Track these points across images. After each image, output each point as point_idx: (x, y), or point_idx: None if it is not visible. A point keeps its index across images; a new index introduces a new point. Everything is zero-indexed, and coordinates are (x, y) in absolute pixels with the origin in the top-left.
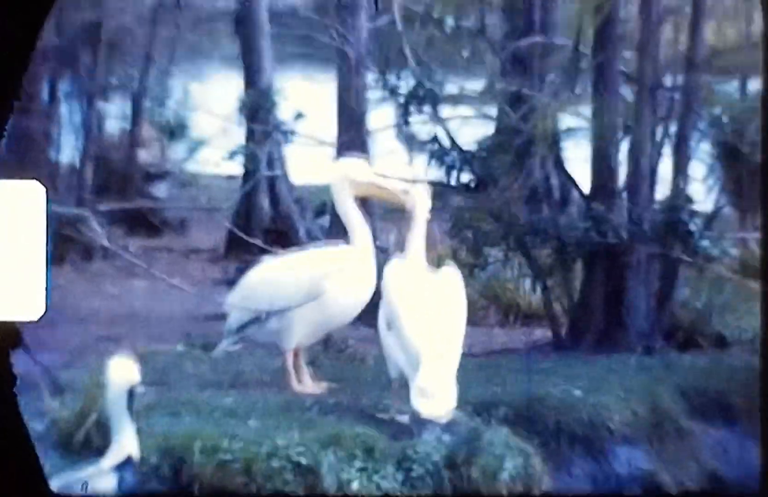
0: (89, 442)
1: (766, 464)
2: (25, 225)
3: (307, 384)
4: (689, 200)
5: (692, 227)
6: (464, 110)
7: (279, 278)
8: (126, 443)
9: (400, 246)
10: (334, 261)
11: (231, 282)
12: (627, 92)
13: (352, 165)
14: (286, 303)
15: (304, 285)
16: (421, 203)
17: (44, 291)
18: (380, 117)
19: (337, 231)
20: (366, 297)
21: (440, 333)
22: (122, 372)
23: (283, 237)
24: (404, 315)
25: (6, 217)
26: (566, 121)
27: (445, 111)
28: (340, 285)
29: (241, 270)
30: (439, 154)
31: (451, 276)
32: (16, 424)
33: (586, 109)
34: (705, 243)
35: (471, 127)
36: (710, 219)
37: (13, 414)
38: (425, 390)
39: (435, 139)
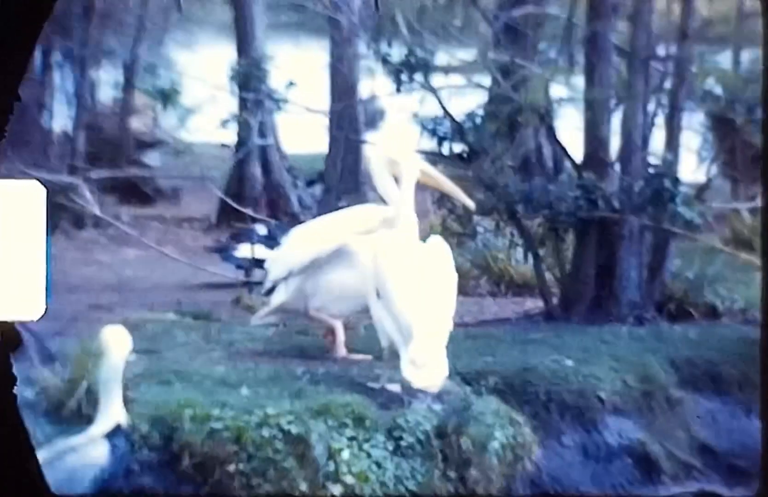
0: (80, 411)
1: (767, 463)
2: (25, 225)
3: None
4: (675, 169)
5: (684, 197)
6: (456, 79)
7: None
8: (115, 411)
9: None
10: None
11: (223, 251)
12: (620, 63)
13: (394, 145)
14: (311, 257)
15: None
16: (410, 172)
17: (44, 291)
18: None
19: (329, 201)
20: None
21: (431, 305)
22: (116, 341)
23: (275, 205)
24: (394, 286)
25: (6, 217)
26: (558, 91)
27: (437, 80)
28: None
29: (234, 239)
30: (431, 123)
31: (440, 246)
32: (16, 424)
33: (579, 80)
34: (683, 209)
35: (463, 97)
36: (702, 189)
37: (13, 414)
38: (417, 362)
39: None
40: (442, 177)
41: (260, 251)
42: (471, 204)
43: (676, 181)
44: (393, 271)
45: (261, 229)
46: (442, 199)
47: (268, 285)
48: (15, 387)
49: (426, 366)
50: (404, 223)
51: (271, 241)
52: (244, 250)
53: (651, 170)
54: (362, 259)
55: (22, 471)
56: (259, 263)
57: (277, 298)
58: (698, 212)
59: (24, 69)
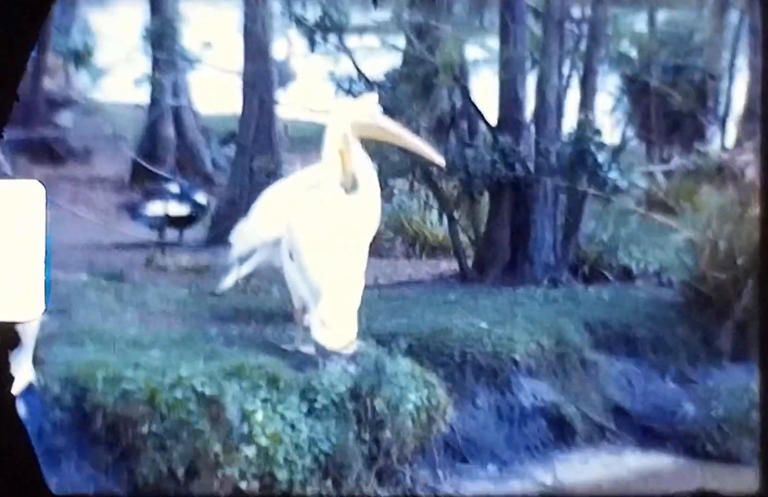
0: None
1: (767, 463)
2: (25, 225)
3: None
4: (596, 132)
5: (600, 159)
6: (371, 40)
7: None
8: (26, 370)
9: None
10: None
11: (134, 208)
12: (534, 24)
13: (358, 106)
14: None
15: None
16: (332, 133)
17: (44, 291)
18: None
19: (242, 161)
20: (369, 237)
21: (341, 265)
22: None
23: (187, 165)
24: (305, 246)
25: (6, 217)
26: (473, 52)
27: (351, 41)
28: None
29: (146, 197)
30: (345, 84)
31: (354, 206)
32: (15, 424)
33: (494, 41)
34: (614, 174)
35: (378, 58)
36: (617, 151)
37: (12, 414)
38: (326, 322)
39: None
40: (409, 134)
41: (174, 209)
42: (441, 160)
43: (601, 145)
44: (305, 233)
45: (173, 188)
46: None
47: (232, 260)
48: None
49: (335, 326)
50: (326, 184)
51: (183, 200)
52: (155, 208)
53: (571, 132)
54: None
55: (22, 471)
56: (172, 221)
57: (246, 270)
58: (630, 180)
59: (23, 69)
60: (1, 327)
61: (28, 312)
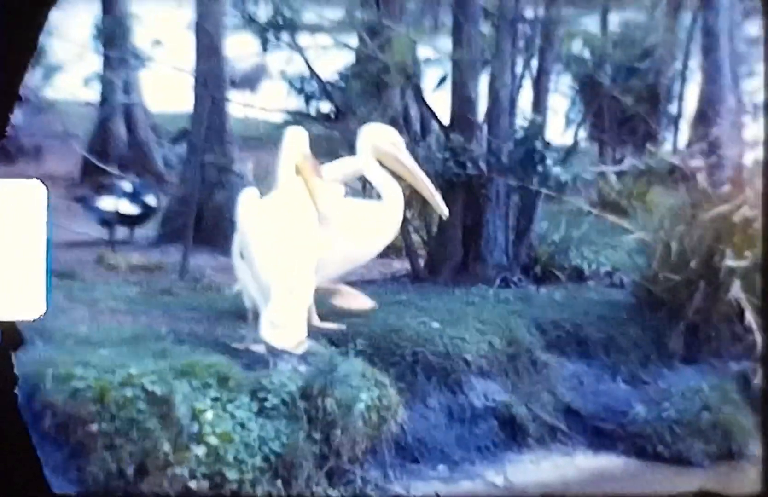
0: None
1: (767, 464)
2: (25, 225)
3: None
4: (541, 129)
5: (546, 157)
6: (323, 39)
7: None
8: None
9: (259, 175)
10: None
11: (85, 201)
12: (487, 24)
13: (385, 133)
14: None
15: None
16: (292, 142)
17: (44, 292)
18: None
19: (194, 160)
20: (382, 245)
21: (291, 266)
22: None
23: (139, 164)
24: (256, 246)
25: (6, 217)
26: (426, 52)
27: (303, 40)
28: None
29: (97, 192)
30: (298, 83)
31: (305, 209)
32: (16, 424)
33: (446, 41)
34: (557, 170)
35: (330, 57)
36: (569, 152)
37: (13, 414)
38: (275, 322)
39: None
40: (422, 175)
41: (124, 207)
42: (445, 211)
43: (546, 143)
44: (254, 232)
45: (126, 185)
46: None
47: None
48: (16, 387)
49: (284, 326)
50: (283, 186)
51: (134, 199)
52: (107, 204)
53: (520, 132)
54: (336, 225)
55: (22, 471)
56: (122, 219)
57: None
58: (573, 175)
59: (24, 69)
60: (2, 327)
61: (28, 311)
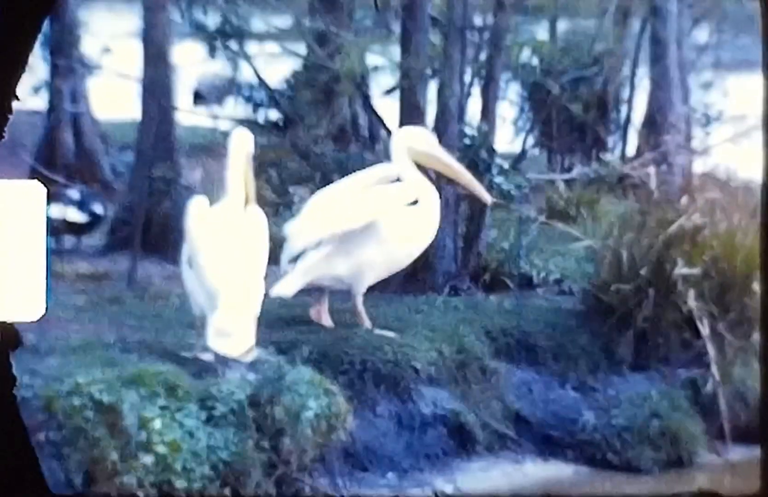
0: None
1: (766, 464)
2: (25, 225)
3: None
4: (490, 140)
5: (493, 168)
6: (271, 47)
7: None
8: None
9: (206, 183)
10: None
11: None
12: (436, 33)
13: (418, 134)
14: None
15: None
16: (238, 144)
17: (44, 292)
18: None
19: (142, 168)
20: (421, 249)
21: (238, 274)
22: None
23: (86, 172)
24: (203, 254)
25: (6, 217)
26: (374, 59)
27: (251, 47)
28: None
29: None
30: (246, 91)
31: (254, 216)
32: (16, 424)
33: (395, 49)
34: (499, 179)
35: (279, 65)
36: (518, 160)
37: (13, 414)
38: (222, 330)
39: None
40: (460, 166)
41: (72, 214)
42: (488, 199)
43: (492, 151)
44: (202, 240)
45: (73, 194)
46: (258, 167)
47: (295, 252)
48: (15, 388)
49: (231, 335)
50: (232, 195)
51: (82, 207)
52: (54, 211)
53: (467, 141)
54: (386, 233)
55: (22, 471)
56: (70, 228)
57: (304, 271)
58: (515, 183)
59: (23, 69)
60: (1, 328)
61: (28, 312)
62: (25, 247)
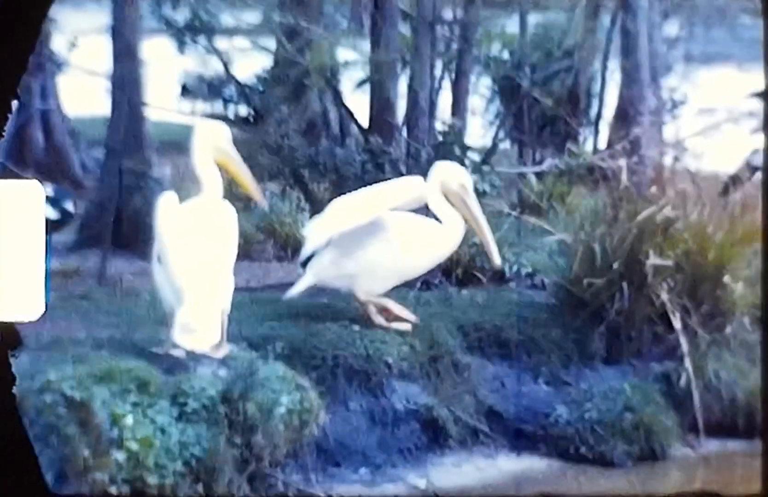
0: None
1: (767, 464)
2: (25, 225)
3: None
4: (462, 136)
5: (465, 163)
6: (241, 42)
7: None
8: None
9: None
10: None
11: None
12: (406, 26)
13: (454, 171)
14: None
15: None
16: (201, 137)
17: (44, 292)
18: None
19: (112, 164)
20: (435, 262)
21: (205, 269)
22: None
23: (56, 169)
24: (170, 250)
25: (6, 217)
26: (345, 54)
27: (221, 43)
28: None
29: None
30: (216, 86)
31: (224, 211)
32: (15, 424)
33: (365, 43)
34: (474, 178)
35: (248, 60)
36: (488, 153)
37: (12, 414)
38: (186, 326)
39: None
40: (484, 220)
41: (47, 212)
42: (498, 261)
43: (464, 148)
44: (170, 236)
45: (47, 189)
46: None
47: (306, 253)
48: (14, 387)
49: (196, 330)
50: (209, 191)
51: (55, 203)
52: None
53: (439, 137)
54: (393, 234)
55: (21, 471)
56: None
57: (314, 272)
58: (490, 182)
59: (23, 69)
60: (1, 327)
61: (28, 312)
62: (23, 247)
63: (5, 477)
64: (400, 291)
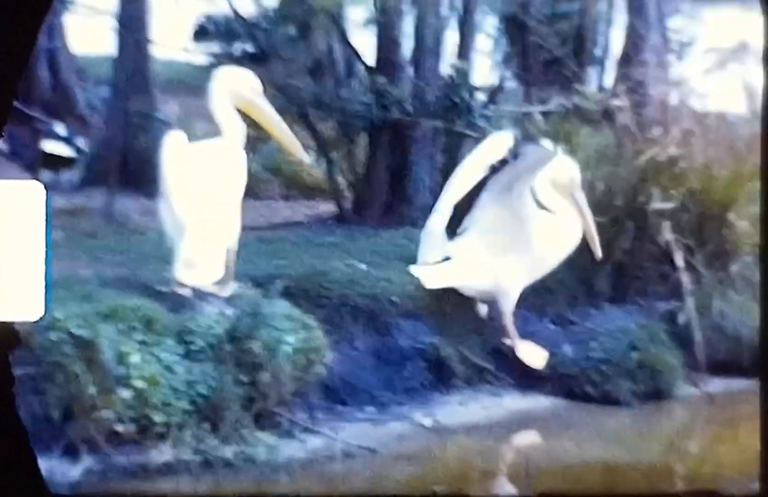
0: None
1: (767, 464)
2: (25, 225)
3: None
4: (468, 78)
5: (472, 103)
6: None
7: None
8: None
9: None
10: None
11: (11, 156)
12: None
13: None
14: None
15: None
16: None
17: (44, 292)
18: None
19: (118, 103)
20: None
21: (208, 205)
22: None
23: (63, 108)
24: (172, 187)
25: (6, 217)
26: None
27: None
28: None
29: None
30: (222, 23)
31: (233, 152)
32: (15, 424)
33: None
34: (482, 122)
35: None
36: (494, 93)
37: (12, 414)
38: (188, 261)
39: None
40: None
41: (61, 149)
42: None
43: (471, 90)
44: (173, 174)
45: (60, 129)
46: None
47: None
48: (14, 387)
49: (198, 266)
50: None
51: (69, 142)
52: (50, 146)
53: (446, 78)
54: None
55: (21, 471)
56: (49, 163)
57: (454, 270)
58: (497, 125)
59: (23, 69)
60: (1, 327)
61: (28, 312)
62: (23, 247)
63: (4, 476)
64: (407, 230)
